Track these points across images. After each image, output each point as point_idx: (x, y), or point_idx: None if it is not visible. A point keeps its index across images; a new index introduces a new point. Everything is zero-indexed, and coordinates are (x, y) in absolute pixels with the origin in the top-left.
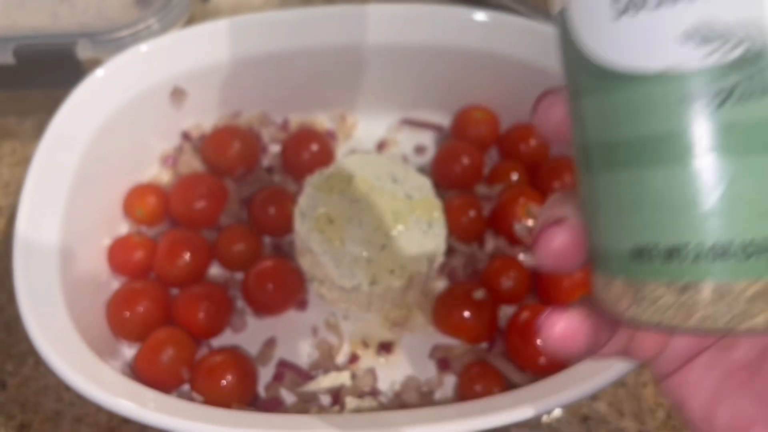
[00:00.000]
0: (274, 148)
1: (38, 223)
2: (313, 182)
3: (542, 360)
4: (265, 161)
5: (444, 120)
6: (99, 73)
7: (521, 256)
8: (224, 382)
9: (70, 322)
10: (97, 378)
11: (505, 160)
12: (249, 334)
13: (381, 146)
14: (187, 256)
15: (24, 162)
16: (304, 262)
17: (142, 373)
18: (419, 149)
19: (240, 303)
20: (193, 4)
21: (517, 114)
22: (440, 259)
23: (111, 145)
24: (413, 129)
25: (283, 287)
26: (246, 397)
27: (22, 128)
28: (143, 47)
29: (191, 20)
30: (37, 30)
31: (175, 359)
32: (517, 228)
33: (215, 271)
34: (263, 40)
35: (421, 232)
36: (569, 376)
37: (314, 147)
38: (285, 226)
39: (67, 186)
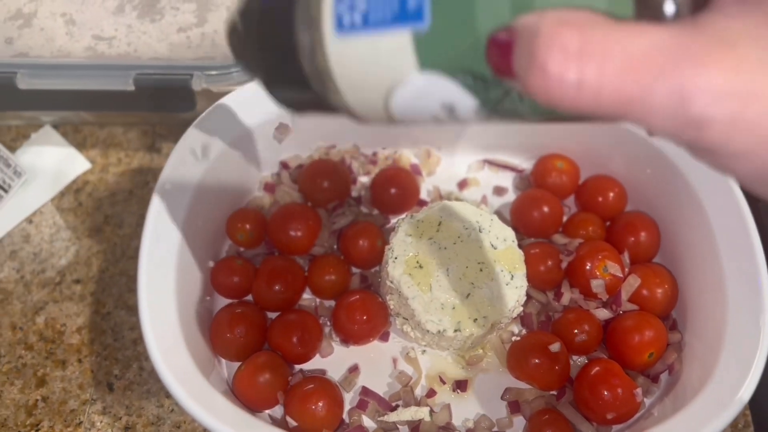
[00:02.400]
0: (363, 179)
1: (160, 244)
2: (404, 226)
3: (610, 414)
4: (354, 192)
5: (524, 163)
6: (216, 107)
7: (595, 311)
8: (316, 408)
9: (182, 337)
10: (200, 395)
11: (582, 211)
12: (334, 359)
13: (462, 185)
14: (284, 283)
15: (129, 172)
16: (391, 300)
17: (240, 393)
18: (499, 190)
19: (327, 330)
20: None
21: (595, 166)
22: (519, 309)
23: (221, 173)
24: (494, 170)
25: (370, 321)
26: (334, 423)
27: (126, 138)
28: (254, 86)
29: None
30: (155, 60)
31: (272, 382)
32: (594, 284)
33: (305, 296)
34: None
35: (503, 283)
36: None
37: (402, 185)
38: (372, 258)
39: (185, 209)
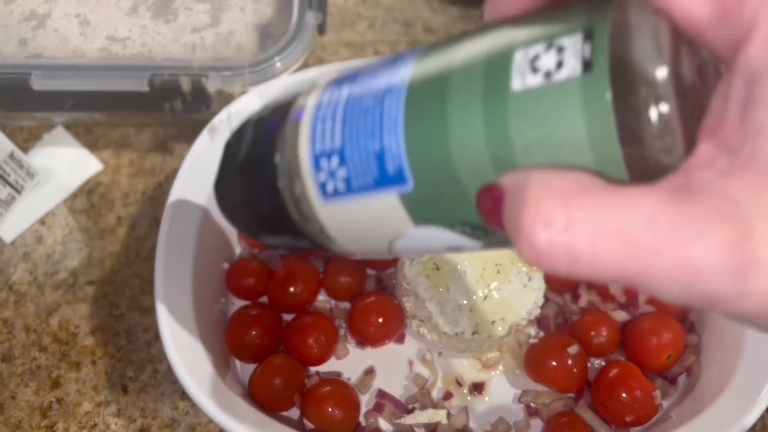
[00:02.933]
0: None
1: (175, 245)
2: None
3: (628, 417)
4: None
5: None
6: (231, 108)
7: (613, 313)
8: (333, 411)
9: (199, 339)
10: (217, 396)
11: None
12: (350, 361)
13: None
14: (299, 285)
15: (141, 173)
16: (407, 302)
17: (257, 395)
18: None
19: (342, 332)
20: (312, 40)
21: None
22: (537, 311)
23: None
24: None
25: (386, 323)
26: (350, 426)
27: (138, 139)
28: (268, 87)
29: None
30: (170, 60)
31: (288, 385)
32: (612, 286)
33: (320, 297)
34: None
35: (521, 285)
36: None
37: None
38: (388, 260)
39: (200, 213)
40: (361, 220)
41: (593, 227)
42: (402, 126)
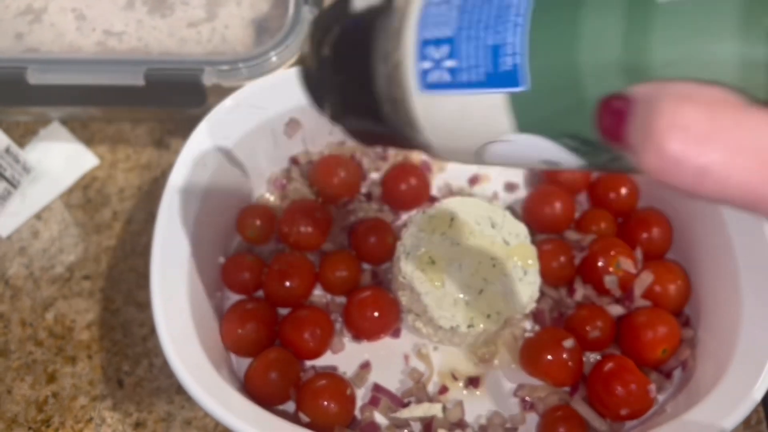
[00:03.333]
0: (374, 175)
1: (171, 239)
2: (416, 222)
3: (623, 410)
4: (364, 188)
5: None
6: (226, 103)
7: (608, 307)
8: (329, 405)
9: (195, 333)
10: (213, 390)
11: (594, 207)
12: (346, 355)
13: (473, 181)
14: (295, 279)
15: (137, 168)
16: (403, 296)
17: (252, 388)
18: (510, 186)
19: (338, 326)
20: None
21: None
22: (533, 305)
23: (231, 169)
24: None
25: (381, 317)
26: (346, 420)
27: (135, 134)
28: (265, 82)
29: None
30: (166, 55)
31: (283, 378)
32: (607, 280)
33: (316, 292)
34: None
35: (516, 278)
36: None
37: (413, 181)
38: (383, 255)
39: (196, 205)
40: (458, 116)
41: (735, 141)
42: (528, 20)
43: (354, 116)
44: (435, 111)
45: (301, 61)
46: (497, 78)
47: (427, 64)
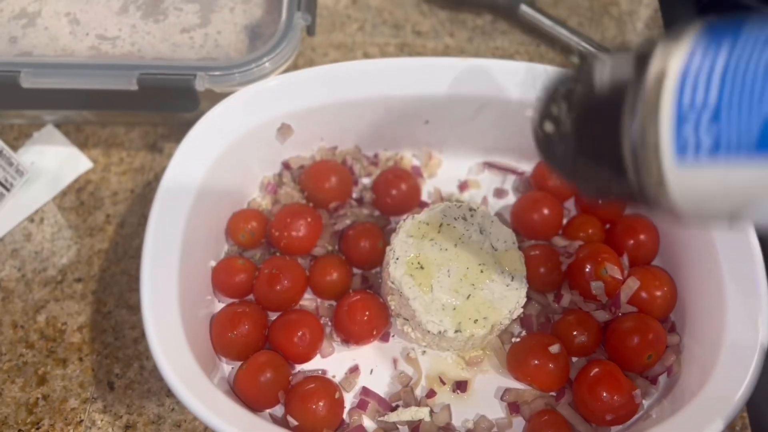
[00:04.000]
0: (365, 181)
1: (162, 241)
2: (405, 227)
3: (609, 416)
4: (356, 193)
5: (524, 166)
6: (218, 108)
7: (595, 313)
8: (317, 408)
9: (184, 336)
10: (202, 393)
11: (582, 214)
12: (335, 359)
13: (463, 187)
14: (286, 283)
15: (130, 171)
16: (392, 301)
17: (242, 392)
18: (499, 192)
19: (328, 330)
20: (301, 40)
21: None
22: (520, 310)
23: (223, 173)
24: (494, 172)
25: (371, 321)
26: (334, 423)
27: (128, 138)
28: (257, 87)
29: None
30: (159, 60)
31: (273, 382)
32: (594, 286)
33: (306, 296)
34: (361, 86)
35: (504, 284)
36: None
37: (403, 186)
38: (373, 259)
39: (187, 210)
40: (717, 185)
41: None
42: None
43: (595, 172)
44: (690, 180)
45: (537, 122)
46: (765, 145)
47: (686, 135)
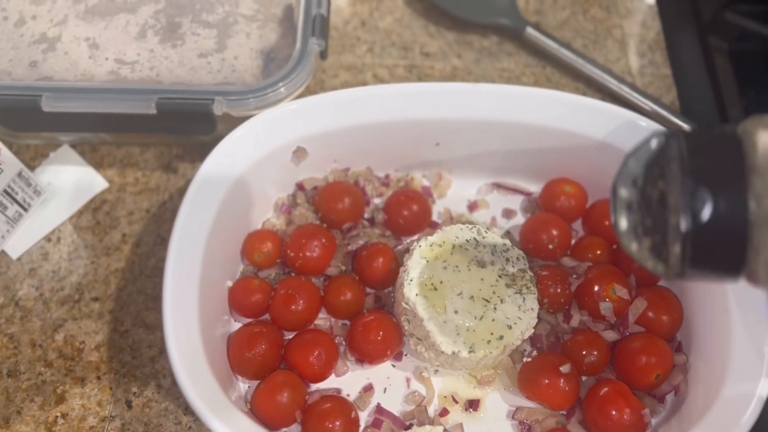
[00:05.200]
0: (376, 201)
1: (183, 262)
2: (419, 249)
3: None
4: (368, 213)
5: (531, 186)
6: (237, 132)
7: (603, 333)
8: (333, 427)
9: (204, 355)
10: (222, 412)
11: (589, 234)
12: (349, 378)
13: (472, 207)
14: (301, 303)
15: (146, 191)
16: (405, 321)
17: (259, 411)
18: (507, 213)
19: (342, 349)
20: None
21: (602, 190)
22: (531, 330)
23: (240, 195)
24: (503, 193)
25: (384, 341)
26: None
27: (143, 158)
28: (274, 112)
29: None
30: (177, 84)
31: (290, 401)
32: (603, 307)
33: (320, 315)
34: (374, 110)
35: (516, 305)
36: None
37: (414, 207)
38: (386, 279)
39: (206, 231)
40: None
41: None
42: None
43: (710, 271)
44: None
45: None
46: None
47: None
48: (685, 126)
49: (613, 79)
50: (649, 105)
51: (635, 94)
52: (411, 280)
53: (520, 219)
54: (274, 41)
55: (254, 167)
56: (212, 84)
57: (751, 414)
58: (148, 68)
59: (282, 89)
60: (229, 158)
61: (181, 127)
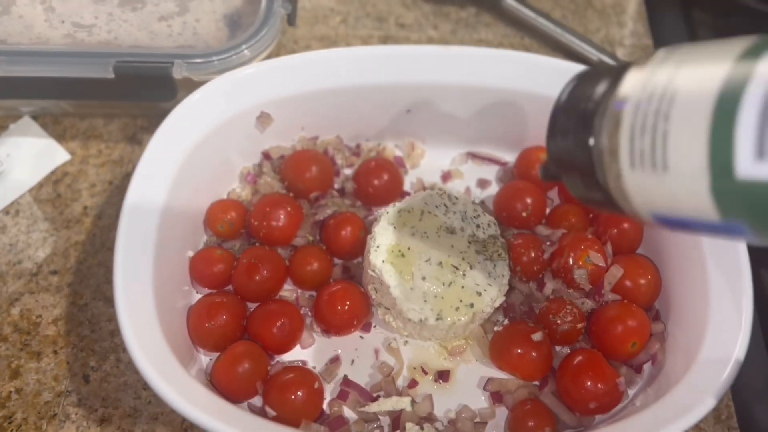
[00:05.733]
0: (347, 171)
1: (136, 231)
2: (387, 215)
3: (592, 404)
4: (337, 183)
5: (506, 156)
6: (195, 96)
7: (578, 301)
8: (295, 398)
9: (159, 327)
10: (179, 385)
11: (565, 203)
12: (315, 350)
13: (446, 177)
14: (265, 273)
15: (109, 163)
16: (373, 289)
17: (219, 383)
18: (482, 183)
19: (308, 320)
20: (280, 29)
21: None
22: (502, 298)
23: (200, 163)
24: (477, 162)
25: (351, 311)
26: (314, 414)
27: (107, 130)
28: (235, 74)
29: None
30: (136, 48)
31: (251, 372)
32: (577, 274)
33: (286, 287)
34: (342, 74)
35: (486, 272)
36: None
37: (385, 176)
38: (354, 249)
39: (162, 199)
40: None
41: None
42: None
43: (578, 181)
44: (639, 180)
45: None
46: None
47: (635, 151)
48: None
49: (593, 50)
50: None
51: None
52: (378, 247)
53: (494, 189)
54: (240, 5)
55: (215, 133)
56: (173, 47)
57: (727, 379)
58: (105, 32)
59: (246, 52)
60: (188, 123)
61: (141, 93)
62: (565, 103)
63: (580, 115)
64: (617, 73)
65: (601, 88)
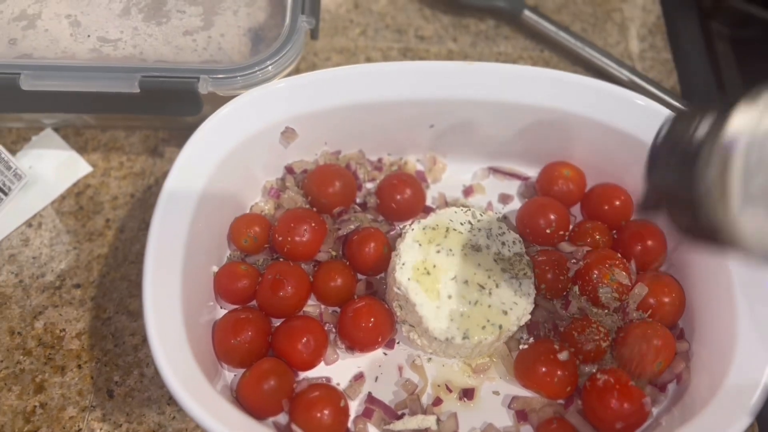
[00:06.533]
0: (369, 185)
1: (165, 246)
2: (412, 233)
3: (619, 424)
4: (360, 198)
5: (528, 171)
6: (224, 110)
7: (603, 319)
8: (322, 416)
9: (187, 343)
10: (206, 401)
11: (588, 219)
12: (339, 366)
13: (467, 192)
14: (290, 289)
15: (131, 176)
16: (398, 307)
17: (245, 399)
18: (504, 198)
19: (332, 336)
20: (304, 44)
21: (601, 174)
22: (527, 316)
23: (226, 177)
24: (499, 177)
25: (376, 327)
26: (339, 431)
27: (129, 142)
28: (261, 90)
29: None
30: (161, 63)
31: (276, 390)
32: (602, 293)
33: (310, 302)
34: (368, 89)
35: (512, 290)
36: None
37: (408, 191)
38: (378, 265)
39: (190, 213)
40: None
41: None
42: None
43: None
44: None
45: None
46: None
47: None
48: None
49: (613, 63)
50: (649, 89)
51: (635, 78)
52: (403, 264)
53: (516, 204)
54: (263, 20)
55: (240, 148)
56: (198, 62)
57: (755, 403)
58: (131, 46)
59: (270, 68)
60: (214, 138)
61: (166, 107)
62: (666, 137)
63: (683, 152)
64: (723, 110)
65: (705, 125)
